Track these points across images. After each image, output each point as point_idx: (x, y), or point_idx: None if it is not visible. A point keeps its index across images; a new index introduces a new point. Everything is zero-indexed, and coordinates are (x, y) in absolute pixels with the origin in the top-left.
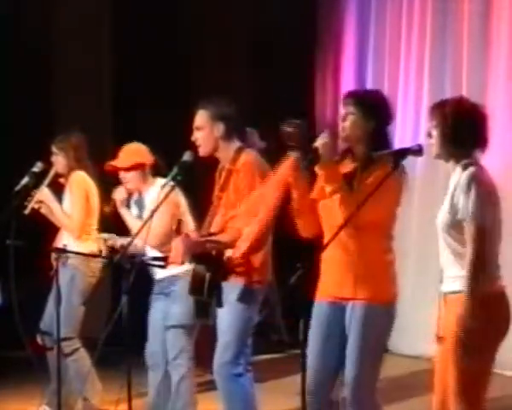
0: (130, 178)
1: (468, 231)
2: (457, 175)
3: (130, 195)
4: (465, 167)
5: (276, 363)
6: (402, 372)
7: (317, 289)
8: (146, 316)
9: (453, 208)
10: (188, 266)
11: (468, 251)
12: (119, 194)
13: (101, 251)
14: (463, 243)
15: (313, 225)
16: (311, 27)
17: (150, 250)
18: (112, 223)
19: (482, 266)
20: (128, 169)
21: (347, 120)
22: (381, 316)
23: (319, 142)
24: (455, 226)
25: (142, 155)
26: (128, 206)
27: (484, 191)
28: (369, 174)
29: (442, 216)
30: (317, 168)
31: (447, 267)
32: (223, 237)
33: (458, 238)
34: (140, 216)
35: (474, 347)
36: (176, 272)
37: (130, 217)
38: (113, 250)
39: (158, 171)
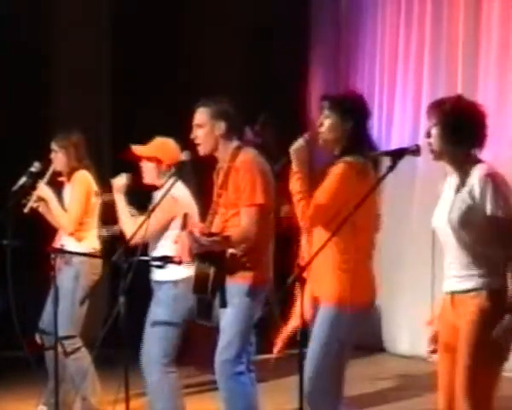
0: (146, 169)
1: (508, 230)
2: (465, 175)
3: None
4: (478, 167)
5: (273, 363)
6: (398, 373)
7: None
8: (143, 316)
9: (476, 209)
10: (178, 274)
11: None
12: (119, 180)
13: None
14: (481, 242)
15: None
16: (308, 24)
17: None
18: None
19: None
20: (146, 159)
21: (324, 123)
22: (329, 317)
23: (293, 146)
24: (474, 226)
25: (163, 152)
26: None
27: (506, 187)
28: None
29: (458, 216)
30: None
31: (457, 267)
32: (228, 235)
33: (476, 238)
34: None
35: (496, 345)
36: (163, 277)
37: (121, 206)
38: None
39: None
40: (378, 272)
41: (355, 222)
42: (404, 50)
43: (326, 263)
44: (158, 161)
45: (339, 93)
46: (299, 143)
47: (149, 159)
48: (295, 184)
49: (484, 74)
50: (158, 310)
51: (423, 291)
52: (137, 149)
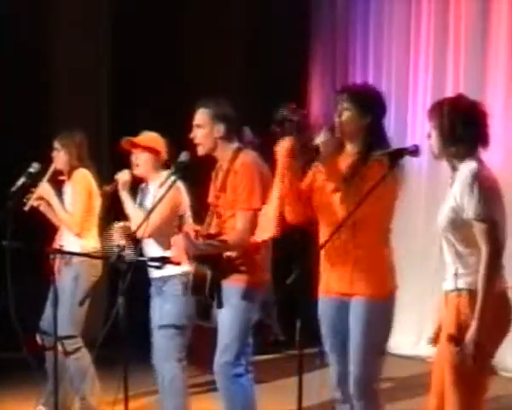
0: (143, 161)
1: (480, 231)
2: (459, 174)
3: (135, 180)
4: (466, 165)
5: (273, 364)
6: (401, 373)
7: (320, 285)
8: (142, 316)
9: (458, 208)
10: (182, 268)
11: (483, 251)
12: (122, 175)
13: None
14: (466, 242)
15: (299, 212)
16: (308, 23)
17: (148, 249)
18: (109, 205)
19: (498, 266)
20: (144, 149)
21: (343, 115)
22: (381, 312)
23: (320, 139)
24: (459, 226)
25: (159, 144)
26: (131, 191)
27: (487, 188)
28: (368, 170)
29: (444, 215)
30: (319, 165)
31: (449, 266)
32: (224, 239)
33: (461, 238)
34: (141, 204)
35: (477, 346)
36: (168, 272)
37: (129, 202)
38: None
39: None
40: None
41: (373, 217)
42: (414, 50)
43: (348, 259)
44: (156, 152)
45: (359, 85)
46: (324, 136)
47: (148, 149)
48: (332, 176)
49: (493, 73)
50: (166, 306)
51: (424, 292)
52: (137, 138)
